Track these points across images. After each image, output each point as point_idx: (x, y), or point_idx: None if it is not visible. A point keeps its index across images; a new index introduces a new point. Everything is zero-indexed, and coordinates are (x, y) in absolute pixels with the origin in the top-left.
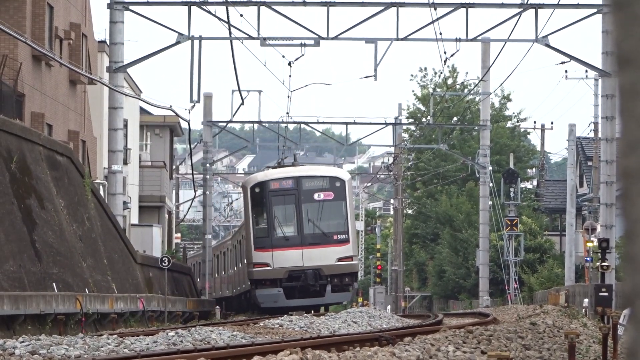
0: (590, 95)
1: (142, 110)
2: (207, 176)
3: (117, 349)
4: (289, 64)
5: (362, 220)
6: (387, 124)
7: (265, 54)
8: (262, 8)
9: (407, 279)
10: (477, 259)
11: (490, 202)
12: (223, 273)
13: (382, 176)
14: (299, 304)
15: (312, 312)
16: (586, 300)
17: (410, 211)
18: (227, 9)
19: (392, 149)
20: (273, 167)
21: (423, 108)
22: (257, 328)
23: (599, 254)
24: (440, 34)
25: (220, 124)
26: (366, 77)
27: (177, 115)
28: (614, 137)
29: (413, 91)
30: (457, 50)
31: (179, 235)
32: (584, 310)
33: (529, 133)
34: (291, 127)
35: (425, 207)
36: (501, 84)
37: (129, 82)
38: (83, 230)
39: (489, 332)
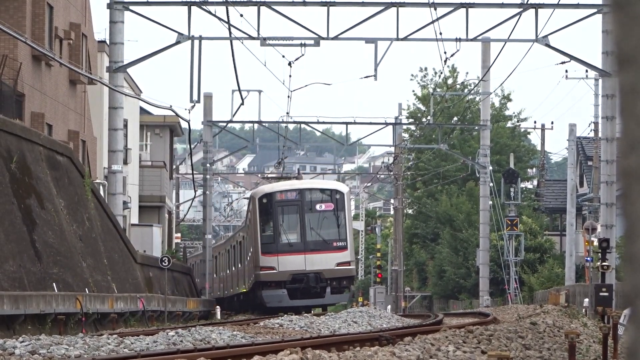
0: (591, 95)
1: (142, 110)
2: (207, 176)
3: (117, 349)
4: (289, 64)
5: (362, 220)
6: (387, 124)
7: (265, 54)
8: (262, 8)
9: (407, 279)
10: (477, 259)
11: (490, 202)
12: (215, 275)
13: (382, 176)
14: (301, 304)
15: (312, 312)
16: (586, 300)
17: (410, 211)
18: (227, 9)
19: (392, 149)
20: (275, 177)
21: (423, 108)
22: (257, 328)
23: (599, 254)
24: (441, 34)
25: (220, 123)
26: (366, 77)
27: (177, 115)
28: (614, 137)
29: (413, 91)
30: (457, 50)
31: (179, 235)
32: (584, 310)
33: (529, 133)
34: (291, 127)
35: (426, 207)
36: (501, 84)
37: (129, 82)
38: (83, 230)
39: (489, 331)
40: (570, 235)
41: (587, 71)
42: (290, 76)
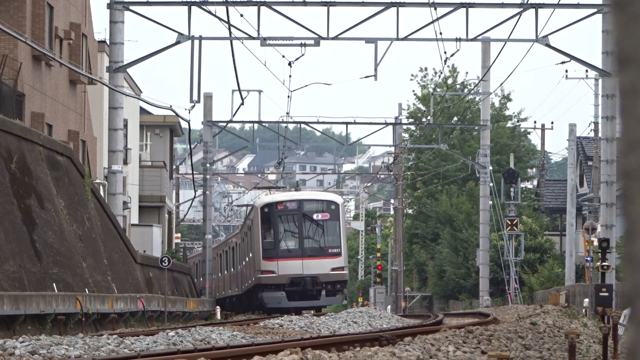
0: (591, 95)
1: (142, 110)
2: (207, 176)
3: (117, 349)
4: (289, 64)
5: (362, 220)
6: (387, 124)
7: (265, 54)
8: (262, 8)
9: (407, 279)
10: (477, 259)
11: (490, 202)
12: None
13: (382, 176)
14: (299, 306)
15: (313, 312)
16: (586, 300)
17: (410, 211)
18: (227, 8)
19: (392, 149)
20: (267, 187)
21: (423, 108)
22: (257, 328)
23: (599, 254)
24: (441, 33)
25: (220, 123)
26: (366, 77)
27: (177, 115)
28: (614, 137)
29: (413, 91)
30: (457, 50)
31: (179, 235)
32: (584, 310)
33: (529, 133)
34: (291, 127)
35: (426, 207)
36: (501, 84)
37: (129, 82)
38: (83, 230)
39: (489, 332)
40: (570, 235)
41: (587, 71)
42: (290, 76)
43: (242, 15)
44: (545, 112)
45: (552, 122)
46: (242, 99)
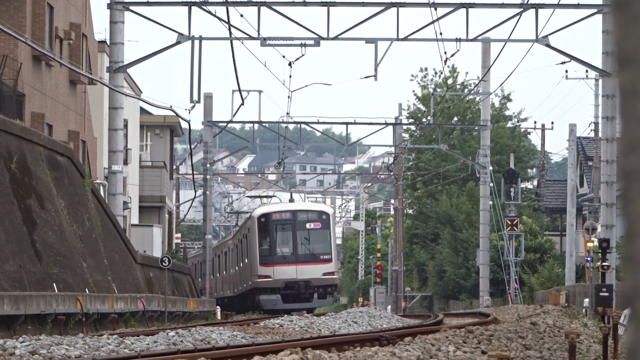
0: (591, 95)
1: (142, 110)
2: (207, 176)
3: (117, 349)
4: (289, 64)
5: (362, 220)
6: (387, 124)
7: (265, 54)
8: (262, 8)
9: (407, 279)
10: (477, 259)
11: (490, 202)
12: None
13: (382, 176)
14: (292, 307)
15: (312, 312)
16: (586, 300)
17: (410, 211)
18: (227, 9)
19: (393, 149)
20: (258, 195)
21: (423, 108)
22: (258, 328)
23: (600, 254)
24: (441, 34)
25: (220, 124)
26: (366, 77)
27: (177, 115)
28: (614, 137)
29: (413, 91)
30: (458, 50)
31: (179, 235)
32: (584, 310)
33: (529, 133)
34: (291, 127)
35: (426, 207)
36: (501, 84)
37: (129, 82)
38: (83, 231)
39: (490, 332)
40: (570, 235)
41: (587, 71)
42: (290, 76)
43: (242, 16)
44: (545, 112)
45: (552, 122)
46: (242, 99)
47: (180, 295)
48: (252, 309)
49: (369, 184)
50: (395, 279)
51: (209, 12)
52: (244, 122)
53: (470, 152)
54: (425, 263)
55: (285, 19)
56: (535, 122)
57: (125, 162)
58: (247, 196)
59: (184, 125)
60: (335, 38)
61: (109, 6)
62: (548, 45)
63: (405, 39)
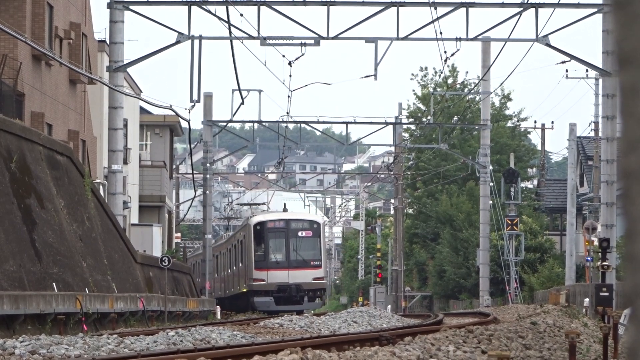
0: (591, 94)
1: (142, 110)
2: (207, 176)
3: (117, 349)
4: (289, 63)
5: (362, 220)
6: (387, 124)
7: (265, 53)
8: (262, 7)
9: (407, 279)
10: (477, 259)
11: (490, 202)
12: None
13: (382, 176)
14: (284, 309)
15: (313, 313)
16: (587, 299)
17: (410, 211)
18: (227, 8)
19: (393, 149)
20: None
21: (423, 107)
22: (257, 328)
23: (600, 254)
24: (441, 33)
25: (220, 123)
26: (366, 76)
27: (177, 114)
28: (614, 137)
29: (413, 90)
30: (458, 50)
31: (179, 235)
32: (584, 309)
33: (529, 132)
34: (291, 126)
35: (426, 206)
36: (501, 84)
37: (129, 82)
38: (83, 230)
39: (490, 331)
40: (570, 235)
41: (587, 71)
42: (290, 76)
43: (242, 15)
44: (545, 111)
45: (552, 122)
46: (242, 99)
47: (180, 294)
48: (245, 310)
49: (369, 184)
50: (395, 278)
51: (209, 12)
52: (244, 122)
53: (470, 151)
54: (425, 263)
55: (285, 19)
56: (535, 122)
57: (125, 162)
58: (237, 204)
59: (184, 124)
60: (335, 37)
61: (109, 5)
62: (548, 45)
63: (405, 38)
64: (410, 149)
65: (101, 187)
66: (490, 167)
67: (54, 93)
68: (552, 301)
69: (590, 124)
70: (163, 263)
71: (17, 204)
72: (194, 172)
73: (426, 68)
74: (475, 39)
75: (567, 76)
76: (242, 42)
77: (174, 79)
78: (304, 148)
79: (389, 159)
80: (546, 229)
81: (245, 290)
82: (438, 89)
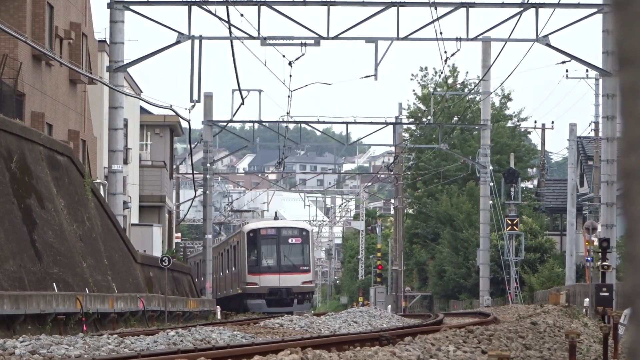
0: (591, 94)
1: (142, 110)
2: (208, 176)
3: (117, 349)
4: (290, 63)
5: (362, 220)
6: (387, 124)
7: (265, 53)
8: (263, 7)
9: (407, 279)
10: (477, 259)
11: (490, 202)
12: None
13: (382, 176)
14: (275, 310)
15: (313, 313)
16: (587, 299)
17: (410, 211)
18: (227, 8)
19: (393, 149)
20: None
21: (423, 107)
22: (258, 328)
23: (600, 254)
24: (441, 33)
25: (220, 123)
26: (366, 76)
27: (177, 114)
28: (614, 137)
29: (413, 90)
30: (458, 50)
31: (179, 235)
32: (584, 309)
33: (529, 132)
34: (291, 126)
35: (426, 206)
36: (502, 84)
37: (129, 82)
38: (83, 230)
39: (490, 331)
40: (570, 235)
41: (587, 71)
42: (290, 76)
43: (242, 15)
44: (545, 111)
45: (552, 122)
46: (242, 99)
47: (180, 294)
48: (238, 311)
49: (369, 184)
50: (395, 278)
51: (209, 12)
52: (244, 122)
53: (470, 151)
54: (425, 263)
55: (286, 19)
56: (535, 122)
57: (125, 162)
58: (229, 210)
59: (184, 124)
60: (336, 37)
61: (109, 5)
62: (548, 45)
63: (406, 38)
64: (410, 149)
65: (101, 187)
66: (491, 167)
67: (54, 93)
68: (552, 301)
69: (590, 124)
70: (163, 263)
71: (18, 204)
72: (194, 172)
73: (426, 68)
74: (475, 39)
75: (567, 76)
76: (242, 42)
77: (174, 79)
78: (304, 148)
79: (389, 159)
80: (546, 229)
81: (239, 292)
82: (438, 89)
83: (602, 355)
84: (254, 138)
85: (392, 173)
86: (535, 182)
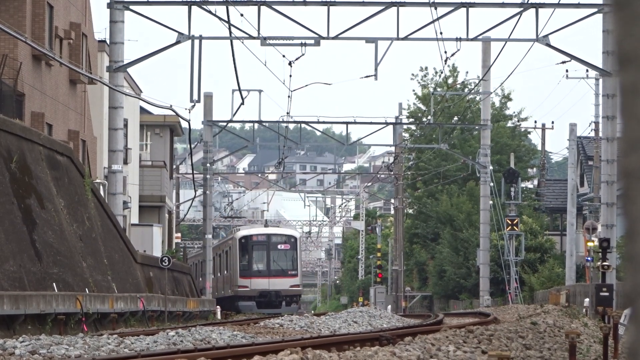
0: (591, 94)
1: (142, 110)
2: (208, 176)
3: (117, 349)
4: (290, 63)
5: (362, 220)
6: (387, 124)
7: (265, 53)
8: (263, 7)
9: (407, 279)
10: (477, 259)
11: (490, 202)
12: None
13: (382, 176)
14: (265, 312)
15: (313, 313)
16: (587, 300)
17: (410, 211)
18: (227, 8)
19: (393, 149)
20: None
21: (423, 107)
22: (258, 328)
23: (600, 254)
24: (441, 33)
25: (220, 123)
26: (366, 76)
27: (177, 114)
28: (614, 137)
29: (413, 90)
30: (458, 50)
31: (179, 235)
32: (584, 310)
33: (529, 132)
34: (291, 126)
35: (426, 206)
36: (502, 84)
37: (129, 82)
38: (83, 230)
39: (490, 331)
40: (570, 235)
41: (587, 71)
42: (290, 76)
43: (242, 15)
44: (545, 111)
45: (552, 122)
46: (242, 99)
47: (180, 295)
48: (229, 311)
49: (369, 184)
50: (396, 278)
51: (209, 12)
52: (244, 122)
53: (470, 151)
54: (426, 263)
55: (286, 19)
56: (535, 122)
57: (125, 162)
58: (221, 216)
59: (184, 124)
60: (336, 37)
61: (109, 5)
62: (548, 45)
63: (406, 38)
64: (410, 149)
65: (101, 187)
66: (491, 167)
67: (54, 93)
68: (552, 301)
69: (590, 124)
70: (163, 263)
71: (17, 204)
72: (194, 172)
73: (426, 68)
74: (475, 39)
75: (567, 76)
76: (242, 42)
77: (174, 79)
78: (304, 148)
79: (389, 159)
80: (546, 229)
81: (231, 294)
82: (438, 89)
83: (602, 356)
84: (254, 138)
85: (392, 173)
86: (536, 182)
